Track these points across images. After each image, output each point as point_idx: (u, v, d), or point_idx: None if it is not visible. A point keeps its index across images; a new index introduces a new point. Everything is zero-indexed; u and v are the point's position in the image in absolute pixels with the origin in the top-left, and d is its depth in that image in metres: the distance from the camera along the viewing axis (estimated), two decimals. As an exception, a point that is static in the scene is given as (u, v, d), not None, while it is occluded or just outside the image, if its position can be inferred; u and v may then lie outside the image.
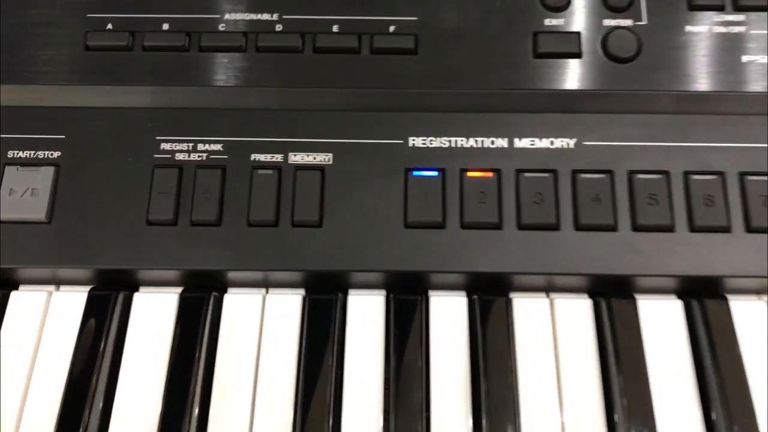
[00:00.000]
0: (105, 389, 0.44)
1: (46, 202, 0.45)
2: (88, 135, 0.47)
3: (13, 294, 0.46)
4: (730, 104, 0.47)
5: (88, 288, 0.47)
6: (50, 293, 0.47)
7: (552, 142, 0.47)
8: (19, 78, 0.48)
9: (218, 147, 0.47)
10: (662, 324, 0.45)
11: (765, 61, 0.48)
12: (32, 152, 0.47)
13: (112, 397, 0.44)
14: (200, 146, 0.47)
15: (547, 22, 0.49)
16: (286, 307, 0.46)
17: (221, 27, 0.49)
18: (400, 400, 0.42)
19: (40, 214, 0.45)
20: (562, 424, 0.42)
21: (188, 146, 0.47)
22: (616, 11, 0.49)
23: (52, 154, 0.47)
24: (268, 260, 0.45)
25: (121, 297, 0.46)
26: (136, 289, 0.47)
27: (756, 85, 0.48)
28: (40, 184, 0.46)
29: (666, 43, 0.48)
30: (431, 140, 0.47)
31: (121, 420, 0.43)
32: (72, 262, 0.45)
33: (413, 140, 0.47)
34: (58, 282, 0.47)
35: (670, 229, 0.45)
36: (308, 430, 0.42)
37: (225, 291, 0.47)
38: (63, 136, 0.47)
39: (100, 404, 0.43)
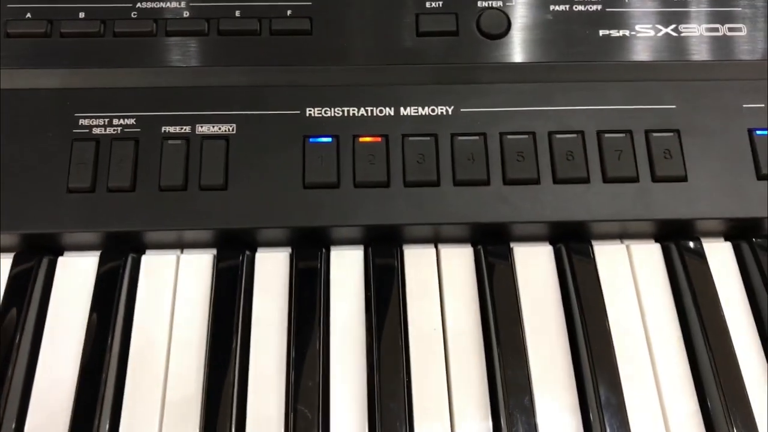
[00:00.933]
0: (29, 348, 0.48)
1: (-28, 174, 0.49)
2: (11, 115, 0.51)
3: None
4: (588, 72, 0.54)
5: (12, 254, 0.51)
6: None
7: (433, 110, 0.52)
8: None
9: (132, 121, 0.51)
10: (534, 268, 0.52)
11: (619, 34, 0.54)
12: (-41, 130, 0.51)
13: (36, 357, 0.48)
14: (115, 121, 0.51)
15: (428, 4, 0.55)
16: (199, 264, 0.51)
17: (133, 14, 0.54)
18: (299, 346, 0.47)
19: (-35, 184, 0.49)
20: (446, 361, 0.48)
21: (104, 121, 0.51)
22: (489, -6, 0.55)
23: (-24, 131, 0.51)
24: (178, 221, 0.49)
25: (45, 261, 0.50)
26: (61, 254, 0.51)
27: (610, 56, 0.54)
28: (-35, 158, 0.50)
29: (532, 21, 0.55)
30: (326, 110, 0.52)
31: (43, 380, 0.47)
32: (-2, 228, 0.49)
33: (310, 110, 0.52)
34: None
35: (536, 181, 0.51)
36: (216, 382, 0.46)
37: (143, 253, 0.52)
38: (-12, 114, 0.51)
39: (24, 363, 0.47)
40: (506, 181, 0.51)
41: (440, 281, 0.51)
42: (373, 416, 0.45)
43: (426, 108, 0.52)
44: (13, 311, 0.48)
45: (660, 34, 0.55)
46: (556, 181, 0.51)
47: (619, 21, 0.55)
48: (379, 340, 0.47)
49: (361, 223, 0.50)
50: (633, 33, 0.55)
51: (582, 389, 0.47)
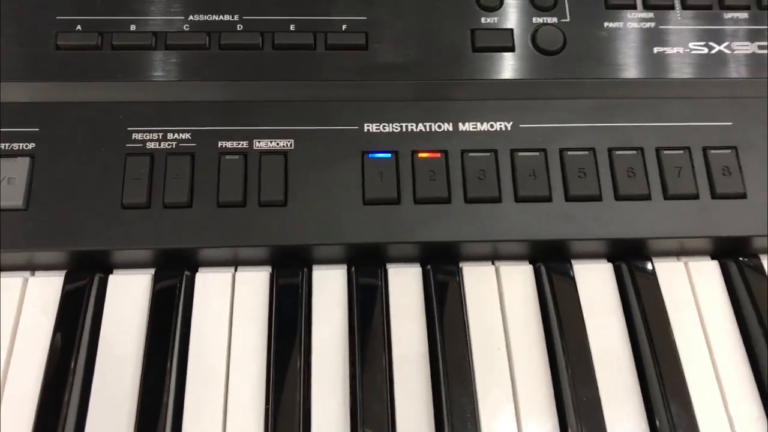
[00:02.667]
0: (84, 368, 0.46)
1: (23, 190, 0.48)
2: (61, 128, 0.50)
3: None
4: (645, 89, 0.54)
5: (63, 272, 0.49)
6: (26, 279, 0.49)
7: (492, 125, 0.52)
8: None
9: (187, 135, 0.50)
10: (595, 284, 0.51)
11: (673, 51, 0.55)
12: (7, 144, 0.49)
13: (90, 377, 0.46)
14: (170, 135, 0.50)
15: (483, 20, 0.54)
16: (255, 281, 0.50)
17: (185, 27, 0.53)
18: (366, 366, 0.46)
19: (17, 201, 0.48)
20: (513, 384, 0.47)
21: (158, 135, 0.50)
22: (543, 10, 0.55)
23: (27, 146, 0.49)
24: (237, 237, 0.48)
25: (96, 279, 0.49)
26: (111, 272, 0.50)
27: (666, 72, 0.54)
28: (16, 173, 0.48)
29: (587, 37, 0.54)
30: (384, 126, 0.51)
31: (100, 401, 0.45)
32: (49, 245, 0.47)
33: (368, 126, 0.51)
34: (33, 268, 0.50)
35: (598, 198, 0.50)
36: (282, 399, 0.45)
37: (196, 271, 0.50)
38: (37, 129, 0.50)
39: (80, 383, 0.46)
40: (568, 198, 0.50)
41: (501, 299, 0.50)
42: None
43: (485, 123, 0.52)
44: (67, 332, 0.46)
45: (713, 52, 0.55)
46: (617, 197, 0.50)
47: (672, 38, 0.55)
48: (444, 359, 0.46)
49: (422, 240, 0.49)
50: (687, 50, 0.55)
51: (650, 407, 0.46)
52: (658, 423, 0.45)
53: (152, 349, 0.46)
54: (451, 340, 0.47)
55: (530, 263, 0.52)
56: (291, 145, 0.50)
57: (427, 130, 0.52)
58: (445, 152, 0.51)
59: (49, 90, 0.51)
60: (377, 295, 0.49)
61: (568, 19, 0.55)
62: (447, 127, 0.52)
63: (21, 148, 0.49)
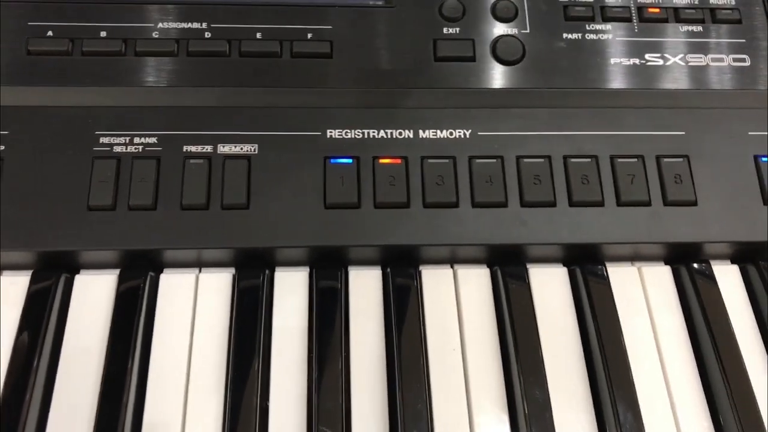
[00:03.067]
0: (47, 368, 0.47)
1: (-9, 192, 0.49)
2: (30, 131, 0.51)
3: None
4: (601, 99, 0.55)
5: (30, 272, 0.50)
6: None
7: (451, 133, 0.53)
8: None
9: (153, 140, 0.51)
10: (549, 288, 0.52)
11: (629, 62, 0.56)
12: (-26, 147, 0.50)
13: (54, 377, 0.47)
14: (136, 140, 0.51)
15: (445, 30, 0.56)
16: (218, 282, 0.51)
17: (155, 35, 0.54)
18: (323, 367, 0.47)
19: (-15, 202, 0.49)
20: (467, 384, 0.48)
21: (125, 140, 0.51)
22: (504, 21, 0.57)
23: (-6, 149, 0.51)
24: (201, 239, 0.50)
25: (62, 279, 0.50)
26: (78, 273, 0.51)
27: (621, 83, 0.56)
28: (-16, 175, 0.49)
29: (546, 48, 0.56)
30: (346, 132, 0.53)
31: (62, 401, 0.46)
32: (17, 246, 0.48)
33: (330, 132, 0.53)
34: (0, 268, 0.51)
35: (552, 204, 0.52)
36: (240, 400, 0.46)
37: (161, 272, 0.52)
38: (6, 132, 0.51)
39: (42, 383, 0.47)
40: (523, 204, 0.52)
41: (458, 302, 0.52)
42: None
43: (444, 131, 0.53)
44: (32, 331, 0.48)
45: (668, 63, 0.57)
46: (571, 204, 0.52)
47: (628, 50, 0.57)
48: (400, 360, 0.48)
49: (381, 243, 0.51)
50: (642, 61, 0.56)
51: (599, 410, 0.48)
52: (606, 427, 0.47)
53: (114, 349, 0.47)
54: (407, 341, 0.49)
55: (488, 267, 0.53)
56: (255, 149, 0.52)
57: (389, 136, 0.53)
58: (405, 158, 0.52)
59: (19, 94, 0.52)
60: (337, 296, 0.50)
61: (527, 30, 0.57)
62: (408, 134, 0.53)
63: (-10, 150, 0.50)
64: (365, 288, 0.52)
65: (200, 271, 0.52)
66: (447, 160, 0.52)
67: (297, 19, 0.55)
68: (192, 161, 0.51)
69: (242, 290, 0.50)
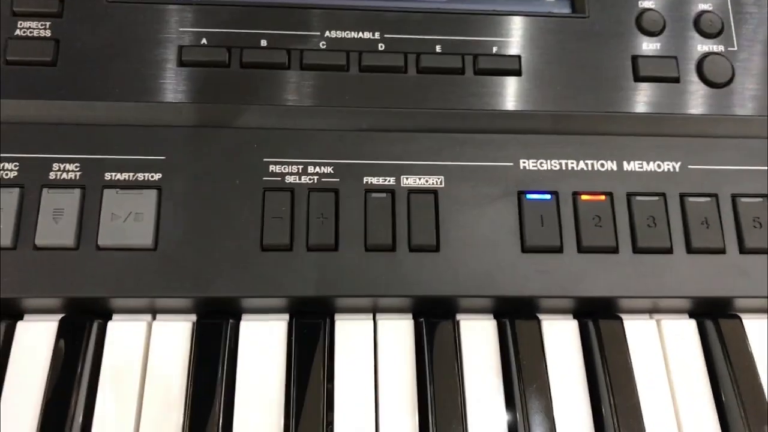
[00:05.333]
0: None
1: (152, 228, 0.43)
2: (190, 156, 0.45)
3: (110, 325, 0.44)
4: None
5: (189, 317, 0.44)
6: (149, 323, 0.44)
7: (659, 165, 0.47)
8: (106, 94, 0.46)
9: (329, 170, 0.45)
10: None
11: None
12: (131, 174, 0.44)
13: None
14: (310, 168, 0.45)
15: (645, 46, 0.49)
16: (397, 331, 0.45)
17: (322, 45, 0.47)
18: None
19: (146, 240, 0.43)
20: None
21: (298, 168, 0.45)
22: (709, 36, 0.50)
23: (152, 176, 0.44)
24: (384, 287, 0.44)
25: (229, 325, 0.44)
26: (234, 317, 0.45)
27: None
28: (143, 208, 0.43)
29: (757, 68, 0.50)
30: (541, 162, 0.47)
31: None
32: (183, 291, 0.42)
33: (524, 162, 0.47)
34: (153, 311, 0.45)
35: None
36: None
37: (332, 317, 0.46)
38: (163, 157, 0.45)
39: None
40: (743, 251, 0.46)
41: (664, 355, 0.46)
42: None
43: (651, 163, 0.47)
44: (206, 377, 0.42)
45: None
46: (794, 247, 0.46)
47: None
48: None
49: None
50: None
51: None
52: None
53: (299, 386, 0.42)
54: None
55: (691, 317, 0.47)
56: (441, 182, 0.46)
57: (589, 168, 0.47)
58: (609, 194, 0.46)
59: (171, 112, 0.46)
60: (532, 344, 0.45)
61: (735, 48, 0.50)
62: (611, 165, 0.47)
63: (146, 178, 0.44)
64: (562, 339, 0.46)
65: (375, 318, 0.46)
66: (656, 198, 0.46)
67: (481, 30, 0.48)
68: (374, 195, 0.45)
69: (430, 339, 0.44)
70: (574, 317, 0.47)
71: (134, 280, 0.42)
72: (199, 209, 0.44)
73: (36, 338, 0.43)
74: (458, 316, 0.46)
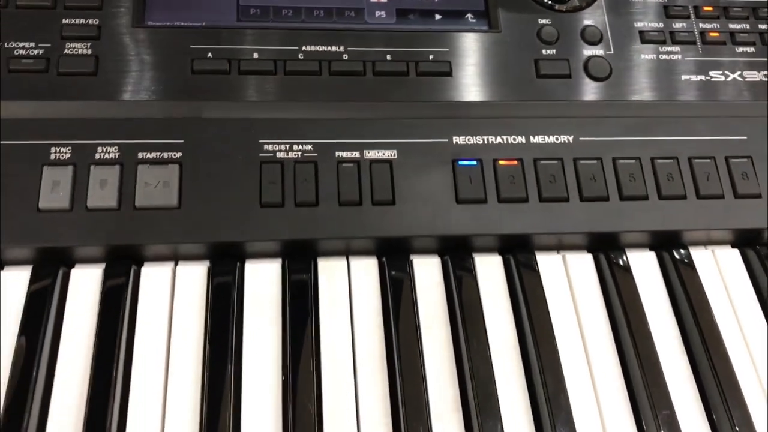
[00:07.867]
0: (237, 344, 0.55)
1: (176, 192, 0.57)
2: (203, 139, 0.59)
3: (144, 270, 0.57)
4: (678, 110, 0.65)
5: (204, 262, 0.58)
6: (173, 269, 0.58)
7: (557, 138, 0.63)
8: (137, 95, 0.60)
9: (309, 147, 0.60)
10: (643, 270, 0.62)
11: (696, 79, 0.67)
12: (158, 154, 0.58)
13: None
14: (295, 147, 0.59)
15: (544, 52, 0.66)
16: (367, 267, 0.59)
17: (300, 56, 0.63)
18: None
19: (172, 201, 0.56)
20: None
21: (286, 147, 0.59)
22: (591, 44, 0.67)
23: (174, 155, 0.58)
24: (353, 229, 0.58)
25: (237, 268, 0.58)
26: (240, 261, 0.59)
27: (691, 96, 0.66)
28: (168, 178, 0.57)
29: (628, 67, 0.66)
30: (469, 138, 0.62)
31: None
32: (200, 238, 0.56)
33: (456, 139, 0.62)
34: (176, 258, 0.58)
35: (645, 197, 0.62)
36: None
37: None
38: (182, 141, 0.59)
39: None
40: (622, 198, 0.61)
41: (570, 286, 0.61)
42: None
43: (551, 137, 0.63)
44: (220, 318, 0.55)
45: (728, 79, 0.67)
46: (660, 197, 0.62)
47: (696, 68, 0.67)
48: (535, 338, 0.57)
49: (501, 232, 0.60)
50: (707, 78, 0.67)
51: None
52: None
53: (293, 326, 0.55)
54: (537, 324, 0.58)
55: (589, 252, 0.63)
56: (395, 155, 0.60)
57: (505, 142, 0.62)
58: (520, 160, 0.62)
59: (188, 107, 0.60)
60: (467, 278, 0.59)
61: (612, 52, 0.67)
62: (521, 139, 0.62)
63: (169, 156, 0.58)
64: (490, 273, 0.60)
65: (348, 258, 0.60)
66: (555, 162, 0.62)
67: (419, 43, 0.64)
68: (344, 165, 0.59)
69: (389, 279, 0.58)
70: (499, 254, 0.62)
71: (163, 231, 0.56)
72: (211, 178, 0.58)
73: (86, 281, 0.56)
74: (411, 256, 0.60)
